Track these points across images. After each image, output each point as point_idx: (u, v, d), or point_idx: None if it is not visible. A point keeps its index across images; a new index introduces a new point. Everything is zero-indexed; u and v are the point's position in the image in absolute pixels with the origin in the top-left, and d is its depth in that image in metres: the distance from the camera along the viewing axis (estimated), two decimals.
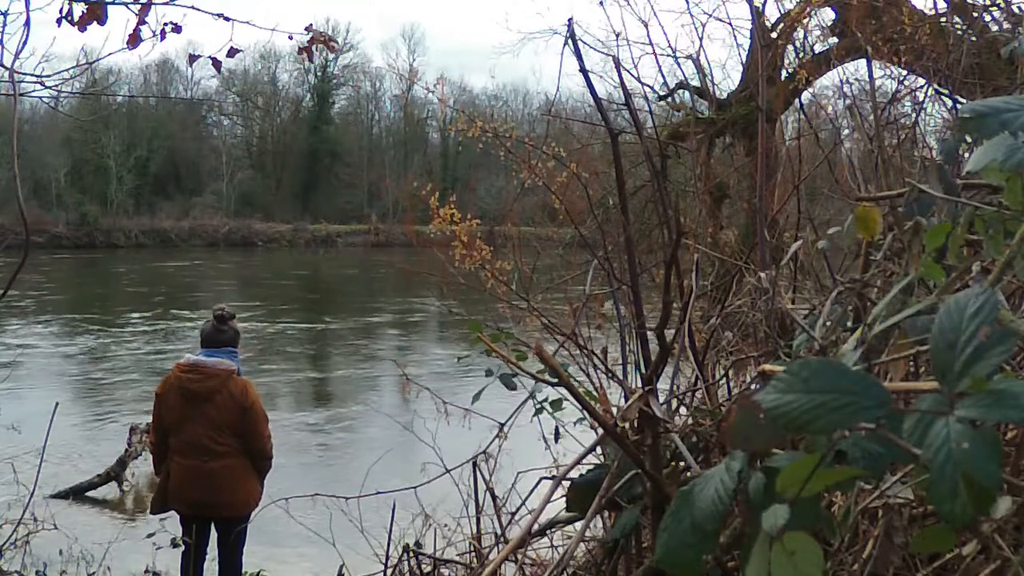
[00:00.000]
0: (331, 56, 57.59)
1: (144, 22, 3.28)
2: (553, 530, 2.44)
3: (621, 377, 2.75)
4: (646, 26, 8.40)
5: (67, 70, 4.26)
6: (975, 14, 5.69)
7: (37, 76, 3.47)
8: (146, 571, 5.26)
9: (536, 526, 2.03)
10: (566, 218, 4.94)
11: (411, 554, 3.17)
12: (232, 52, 3.63)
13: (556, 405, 2.53)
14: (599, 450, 2.01)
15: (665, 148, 7.08)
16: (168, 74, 59.39)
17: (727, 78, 19.08)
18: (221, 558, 4.97)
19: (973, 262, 1.34)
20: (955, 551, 1.40)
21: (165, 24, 3.30)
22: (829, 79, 8.06)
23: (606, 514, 2.26)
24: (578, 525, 1.91)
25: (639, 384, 2.10)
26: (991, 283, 1.10)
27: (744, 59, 8.98)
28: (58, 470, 8.00)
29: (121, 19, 3.37)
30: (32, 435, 6.44)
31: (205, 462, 4.77)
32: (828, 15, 7.85)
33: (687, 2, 8.88)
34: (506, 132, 5.65)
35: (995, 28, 5.27)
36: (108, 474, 8.15)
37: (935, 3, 6.33)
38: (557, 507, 2.01)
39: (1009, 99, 1.11)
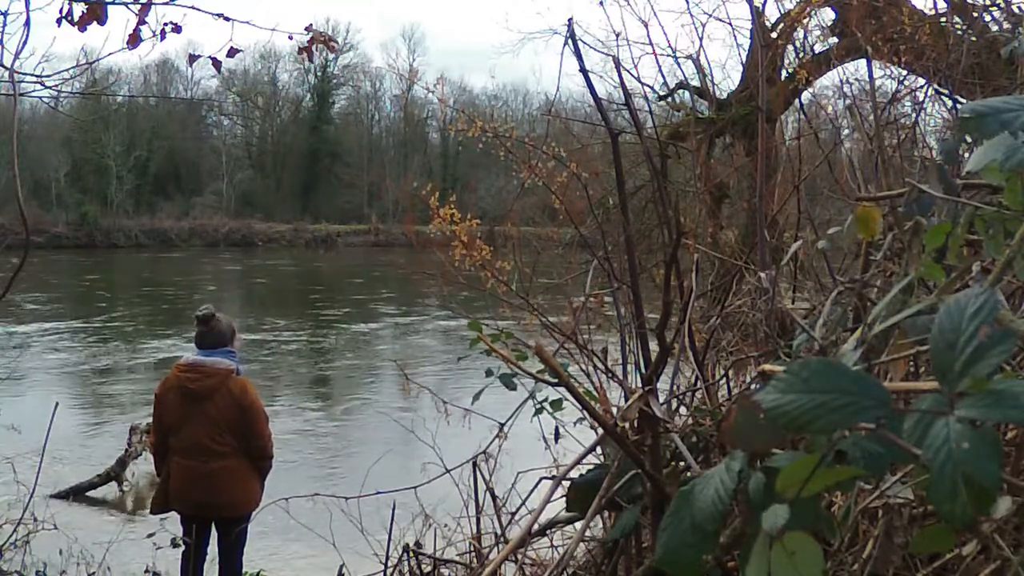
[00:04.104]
0: (331, 56, 57.67)
1: (144, 22, 3.28)
2: (553, 530, 2.44)
3: (621, 377, 2.75)
4: (646, 26, 8.37)
5: (67, 70, 4.27)
6: (975, 14, 5.68)
7: (37, 76, 3.48)
8: (146, 571, 5.26)
9: (536, 526, 2.03)
10: (566, 218, 4.94)
11: (411, 554, 3.18)
12: (232, 52, 3.63)
13: (556, 405, 2.53)
14: (599, 450, 2.01)
15: (665, 148, 7.07)
16: (168, 74, 59.45)
17: (727, 78, 19.08)
18: (221, 558, 4.97)
19: (973, 262, 1.34)
20: (955, 551, 1.40)
21: (165, 24, 3.31)
22: (829, 79, 8.05)
23: (606, 514, 2.26)
24: (578, 525, 1.91)
25: (639, 384, 2.10)
26: (991, 283, 1.10)
27: (744, 59, 8.98)
28: (58, 470, 7.99)
29: (121, 19, 3.38)
30: (32, 435, 6.44)
31: (205, 462, 4.76)
32: (828, 15, 7.85)
33: (687, 2, 8.86)
34: (506, 132, 5.64)
35: (995, 28, 5.27)
36: (108, 474, 8.15)
37: (935, 3, 6.33)
38: (557, 507, 2.01)
39: (1009, 99, 1.11)
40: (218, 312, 5.03)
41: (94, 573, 5.20)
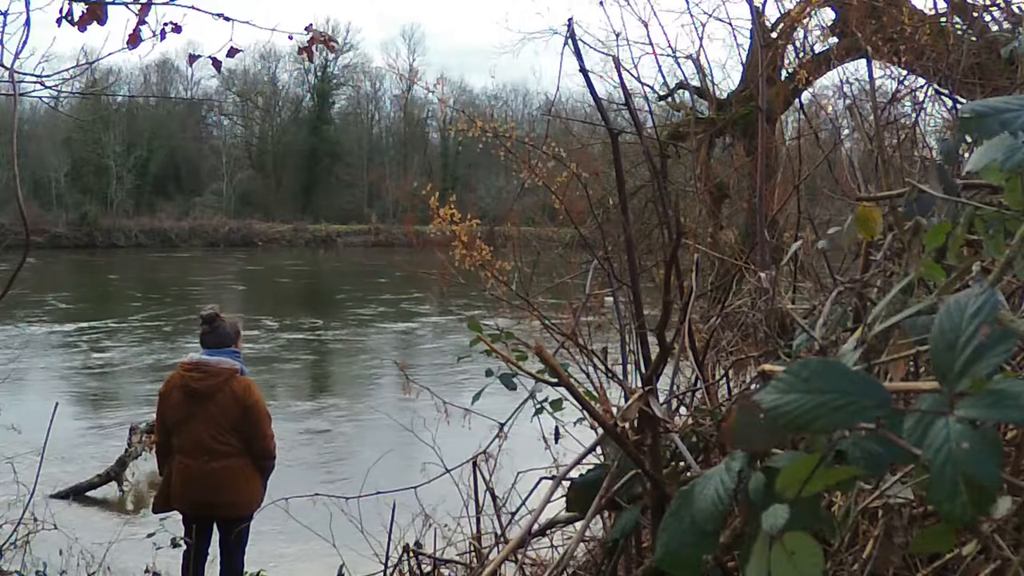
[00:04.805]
0: (331, 56, 57.71)
1: (144, 22, 3.28)
2: (553, 530, 2.44)
3: (621, 377, 2.75)
4: (646, 26, 8.35)
5: (67, 70, 4.27)
6: (975, 14, 5.68)
7: (37, 76, 3.47)
8: (146, 571, 5.26)
9: (536, 526, 2.03)
10: (566, 218, 4.94)
11: (411, 554, 3.18)
12: (232, 52, 3.63)
13: (556, 405, 2.53)
14: (599, 450, 2.01)
15: (665, 148, 7.07)
16: (168, 74, 59.50)
17: (727, 78, 19.08)
18: (222, 558, 4.97)
19: (973, 262, 1.34)
20: (955, 551, 1.40)
21: (165, 24, 3.30)
22: (829, 79, 8.05)
23: (606, 514, 2.26)
24: (578, 525, 1.91)
25: (639, 384, 2.10)
26: (991, 283, 1.10)
27: (744, 59, 8.97)
28: (58, 470, 7.99)
29: (121, 19, 3.38)
30: (32, 435, 6.44)
31: (207, 462, 4.76)
32: (828, 15, 7.85)
33: (687, 2, 8.85)
34: (506, 132, 5.63)
35: (995, 28, 5.27)
36: (108, 474, 8.14)
37: (935, 3, 6.33)
38: (557, 507, 2.01)
39: (1009, 99, 1.11)
40: (223, 312, 5.04)
41: (94, 573, 5.20)
